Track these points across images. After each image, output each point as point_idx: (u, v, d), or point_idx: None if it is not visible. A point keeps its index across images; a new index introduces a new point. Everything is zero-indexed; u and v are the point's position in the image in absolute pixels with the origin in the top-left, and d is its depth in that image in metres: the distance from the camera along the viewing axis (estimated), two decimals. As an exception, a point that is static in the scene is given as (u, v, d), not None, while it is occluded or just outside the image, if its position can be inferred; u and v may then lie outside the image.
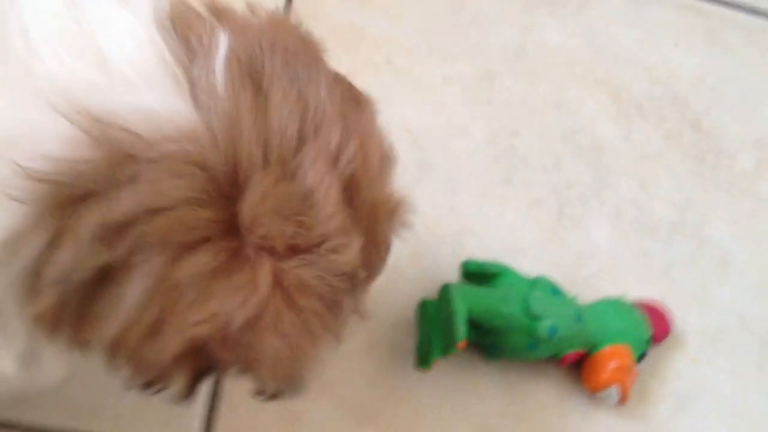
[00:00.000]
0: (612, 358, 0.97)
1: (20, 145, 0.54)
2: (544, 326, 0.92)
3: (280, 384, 0.62)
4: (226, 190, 0.57)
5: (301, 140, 0.61)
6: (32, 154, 0.54)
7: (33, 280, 0.57)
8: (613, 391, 0.98)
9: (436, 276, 1.00)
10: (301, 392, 0.63)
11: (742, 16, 1.22)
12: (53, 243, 0.55)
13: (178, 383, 0.61)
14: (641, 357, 0.99)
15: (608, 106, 1.12)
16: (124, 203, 0.54)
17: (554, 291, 0.96)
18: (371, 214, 0.66)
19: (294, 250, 0.60)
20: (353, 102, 0.68)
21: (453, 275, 1.00)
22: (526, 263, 1.01)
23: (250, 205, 0.57)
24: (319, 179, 0.61)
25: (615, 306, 1.01)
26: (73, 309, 0.58)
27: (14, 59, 0.56)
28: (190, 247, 0.56)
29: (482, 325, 0.92)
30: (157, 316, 0.57)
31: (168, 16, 0.61)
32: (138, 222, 0.55)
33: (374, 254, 0.68)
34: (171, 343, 0.58)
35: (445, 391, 0.98)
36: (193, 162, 0.56)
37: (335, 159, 0.62)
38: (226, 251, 0.57)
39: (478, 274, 0.98)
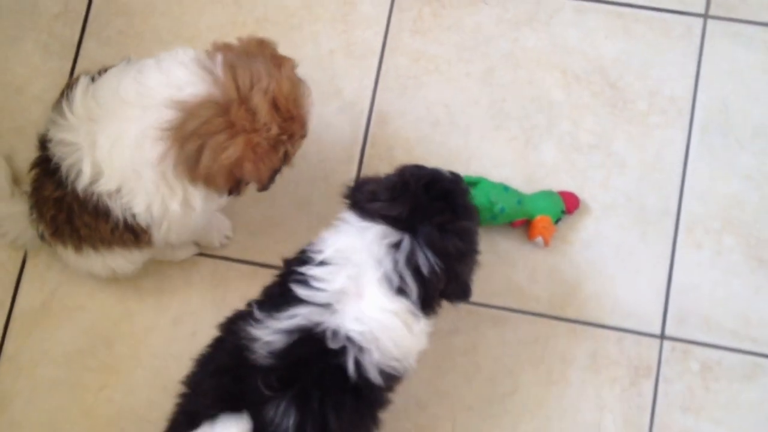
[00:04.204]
0: (539, 222, 1.84)
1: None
2: (496, 207, 1.81)
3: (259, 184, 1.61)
4: (226, 110, 1.50)
5: (250, 87, 1.51)
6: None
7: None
8: (540, 240, 1.85)
9: (451, 184, 1.91)
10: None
11: (647, 13, 1.96)
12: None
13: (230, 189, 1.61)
14: (558, 221, 1.85)
15: (559, 78, 1.96)
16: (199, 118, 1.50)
17: (506, 189, 1.83)
18: (287, 110, 1.54)
19: (253, 130, 1.51)
20: (276, 64, 1.56)
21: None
22: (506, 171, 1.91)
23: (232, 116, 1.50)
24: (258, 102, 1.51)
25: (544, 193, 1.87)
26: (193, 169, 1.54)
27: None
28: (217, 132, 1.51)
29: (466, 209, 1.83)
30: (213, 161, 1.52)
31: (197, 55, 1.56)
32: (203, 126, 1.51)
33: (295, 126, 1.57)
34: (222, 174, 1.54)
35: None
36: (215, 102, 1.50)
37: (266, 91, 1.51)
38: (231, 132, 1.51)
39: (469, 183, 1.83)
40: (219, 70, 1.52)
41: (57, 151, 1.61)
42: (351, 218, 1.54)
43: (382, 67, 2.00)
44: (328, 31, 2.03)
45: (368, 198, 1.55)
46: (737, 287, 1.84)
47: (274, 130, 1.53)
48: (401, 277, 1.48)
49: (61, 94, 1.66)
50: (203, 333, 1.69)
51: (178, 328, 1.90)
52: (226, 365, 1.51)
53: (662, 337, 1.83)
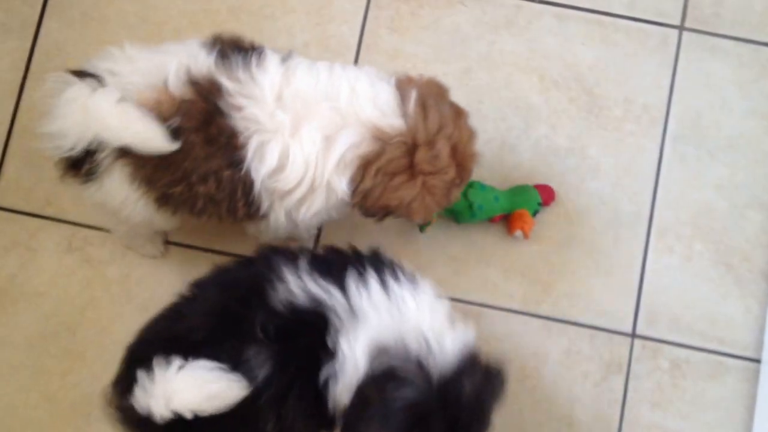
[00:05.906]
0: (518, 216, 1.88)
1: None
2: (475, 205, 1.84)
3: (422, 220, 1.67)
4: (411, 151, 1.54)
5: (437, 131, 1.56)
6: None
7: None
8: (519, 233, 1.88)
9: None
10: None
11: (626, 23, 2.02)
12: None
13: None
14: (535, 213, 1.89)
15: (537, 83, 2.00)
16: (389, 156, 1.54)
17: (482, 187, 1.86)
18: (462, 158, 1.60)
19: (432, 173, 1.57)
20: (457, 113, 1.62)
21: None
22: (483, 171, 1.92)
23: (417, 158, 1.54)
24: (441, 147, 1.56)
25: (520, 187, 1.91)
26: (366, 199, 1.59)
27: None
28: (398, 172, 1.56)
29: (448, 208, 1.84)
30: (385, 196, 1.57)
31: (396, 84, 1.59)
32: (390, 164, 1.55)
33: (464, 174, 1.63)
34: (386, 204, 1.59)
35: (438, 239, 1.93)
36: (403, 141, 1.54)
37: (449, 138, 1.57)
38: (410, 174, 1.55)
39: (448, 182, 1.90)
40: (411, 107, 1.55)
41: (238, 123, 1.52)
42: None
43: (358, 63, 2.01)
44: (303, 23, 2.03)
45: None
46: (706, 291, 1.91)
47: (451, 174, 1.58)
48: None
49: (224, 50, 1.56)
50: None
51: (145, 317, 1.83)
52: (239, 282, 1.51)
53: (633, 335, 1.89)
